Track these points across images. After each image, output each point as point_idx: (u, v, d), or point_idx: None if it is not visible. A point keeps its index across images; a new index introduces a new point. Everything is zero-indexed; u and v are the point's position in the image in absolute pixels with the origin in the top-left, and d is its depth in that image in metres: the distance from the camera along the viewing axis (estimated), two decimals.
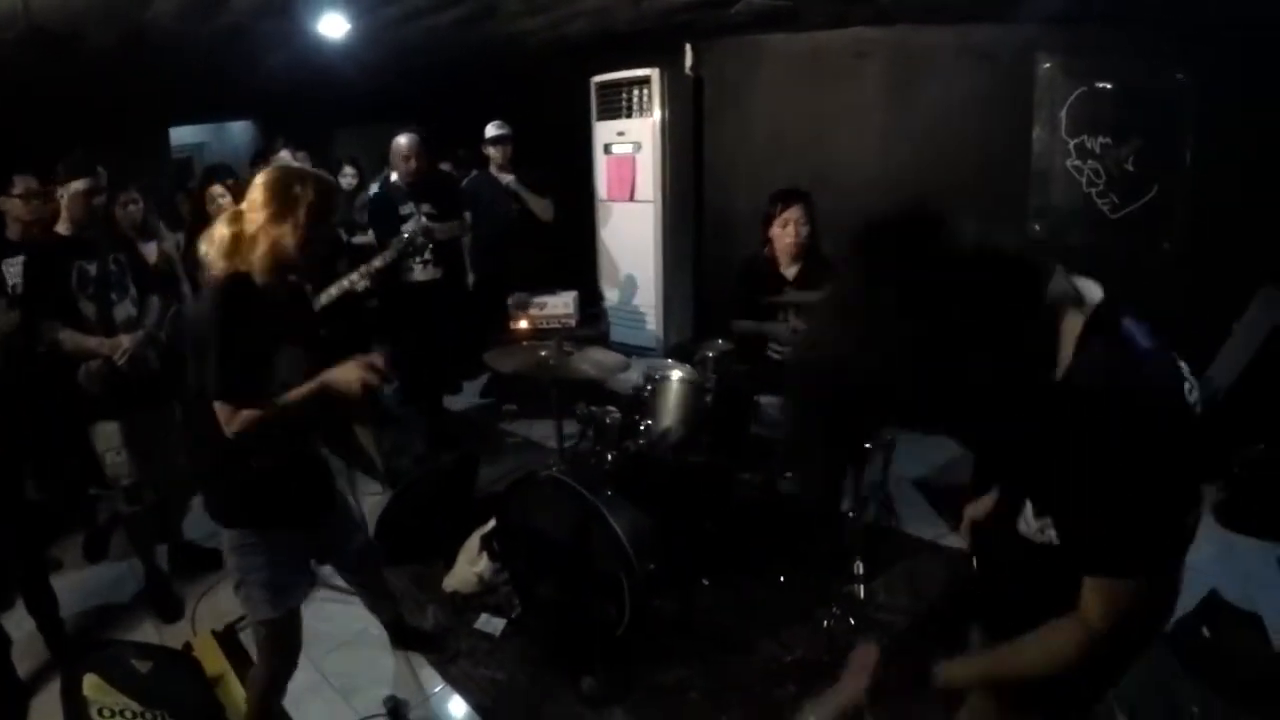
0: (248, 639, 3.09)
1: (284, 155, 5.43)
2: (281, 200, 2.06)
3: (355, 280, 4.01)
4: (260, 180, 2.11)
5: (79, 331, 3.16)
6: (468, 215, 5.35)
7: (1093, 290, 1.17)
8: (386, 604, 3.01)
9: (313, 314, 2.52)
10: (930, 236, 1.08)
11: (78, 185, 3.10)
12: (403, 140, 4.66)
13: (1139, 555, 1.10)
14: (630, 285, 6.54)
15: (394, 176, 4.85)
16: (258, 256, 2.05)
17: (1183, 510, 1.15)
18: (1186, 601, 2.76)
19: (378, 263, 3.88)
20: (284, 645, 2.37)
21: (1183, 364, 1.18)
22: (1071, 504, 1.14)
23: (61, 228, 3.19)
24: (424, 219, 4.54)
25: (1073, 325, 1.12)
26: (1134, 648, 1.33)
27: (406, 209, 4.64)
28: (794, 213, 3.46)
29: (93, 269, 3.20)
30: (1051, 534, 1.27)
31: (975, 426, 1.24)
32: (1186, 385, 1.15)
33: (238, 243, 2.07)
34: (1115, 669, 1.36)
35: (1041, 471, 1.21)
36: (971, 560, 1.63)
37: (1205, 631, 2.70)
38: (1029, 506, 1.31)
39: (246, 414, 1.98)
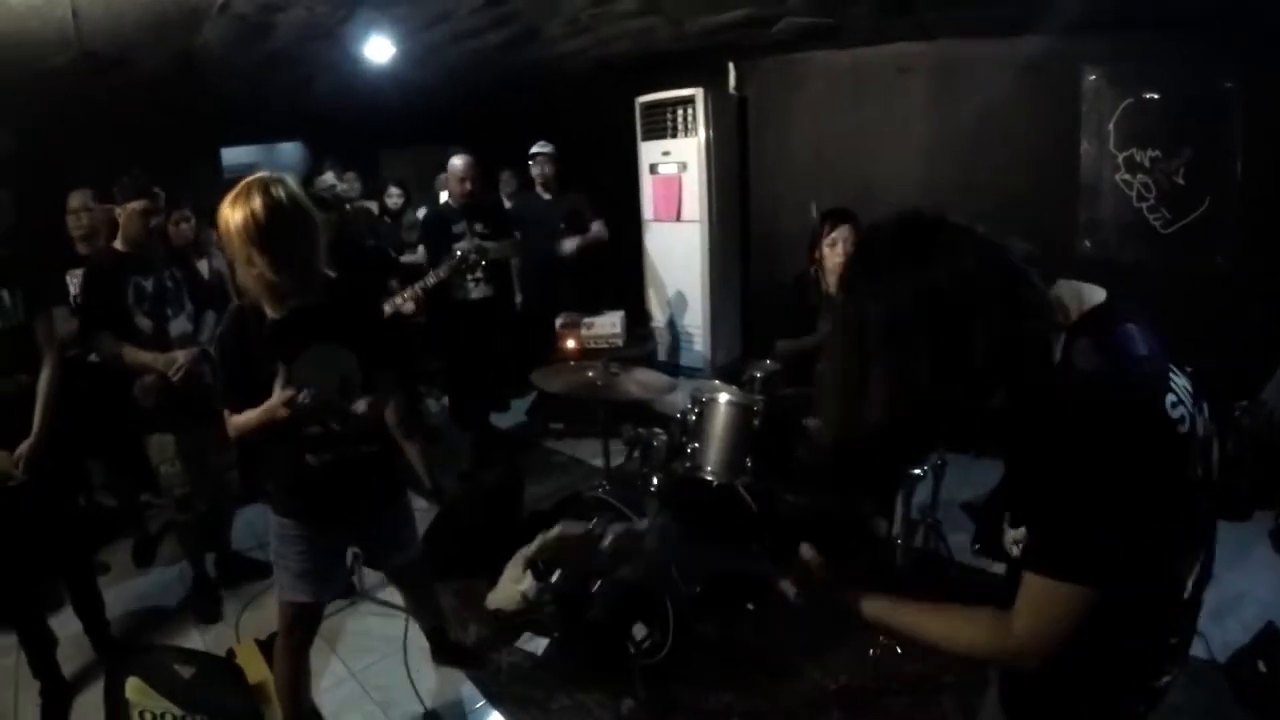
0: None
1: (328, 177, 5.52)
2: (228, 243, 2.10)
3: (403, 301, 4.05)
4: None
5: (135, 345, 3.24)
6: (518, 234, 5.42)
7: (1090, 295, 1.15)
8: (431, 612, 3.05)
9: (362, 315, 2.49)
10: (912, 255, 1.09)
11: (134, 206, 3.19)
12: (458, 162, 4.73)
13: (1083, 561, 1.06)
14: (678, 305, 6.51)
15: (444, 197, 4.91)
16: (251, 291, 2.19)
17: (1146, 529, 1.06)
18: (1241, 633, 2.68)
19: (431, 280, 3.92)
20: (300, 628, 2.49)
21: (1180, 378, 1.12)
22: (1030, 501, 1.12)
23: (119, 244, 3.28)
24: (477, 238, 4.60)
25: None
26: (1139, 686, 1.25)
27: (459, 228, 4.70)
28: (842, 233, 3.42)
29: (149, 285, 3.28)
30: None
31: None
32: (1170, 399, 1.08)
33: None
34: (1123, 707, 1.27)
35: (1017, 479, 1.20)
36: None
37: (1261, 666, 2.60)
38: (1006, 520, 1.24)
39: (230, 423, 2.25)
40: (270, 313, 2.18)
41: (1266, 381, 3.52)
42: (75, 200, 3.83)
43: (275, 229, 2.03)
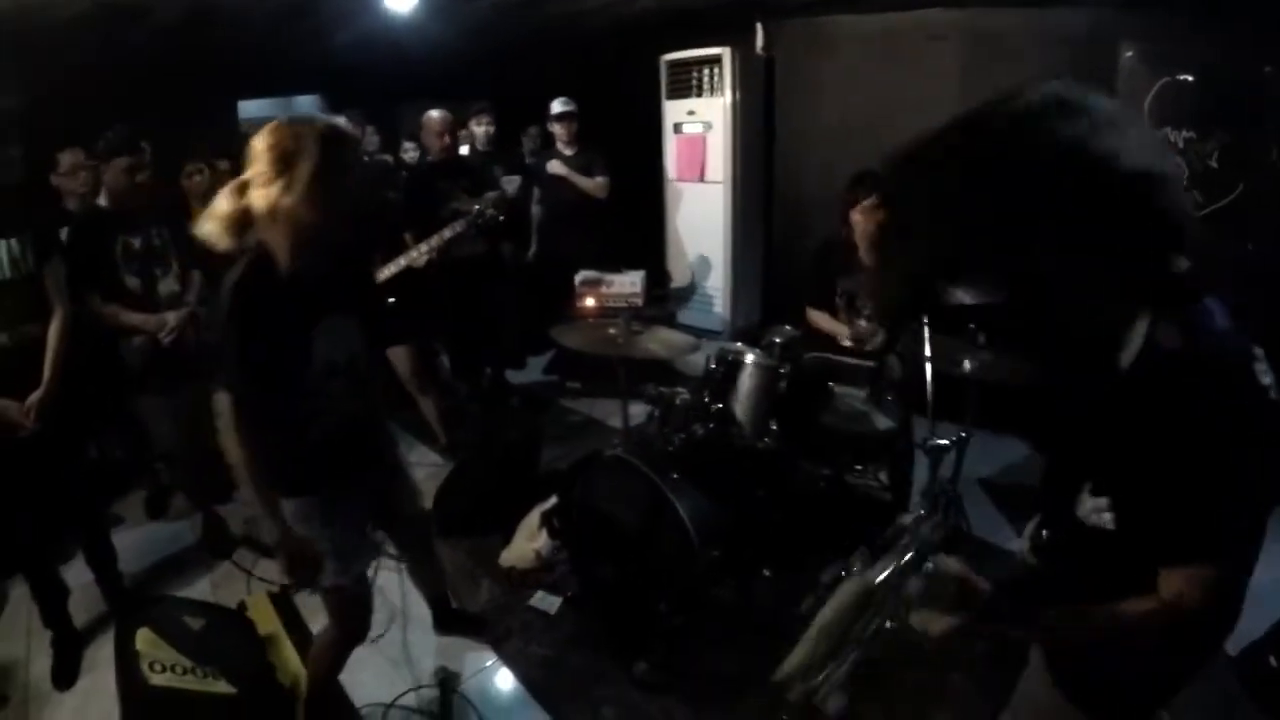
0: (301, 601, 3.13)
1: (342, 121, 5.40)
2: (283, 165, 1.85)
3: (418, 255, 3.99)
4: (259, 145, 1.89)
5: (123, 305, 3.19)
6: (507, 188, 5.31)
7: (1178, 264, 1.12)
8: (433, 580, 2.97)
9: (365, 282, 2.40)
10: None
11: (119, 162, 3.14)
12: (435, 115, 4.63)
13: (1221, 538, 1.07)
14: (698, 267, 6.45)
15: (407, 154, 4.77)
16: (277, 234, 1.91)
17: (1263, 495, 1.09)
18: (1254, 628, 2.63)
19: (448, 233, 3.83)
20: (354, 611, 2.36)
21: (1258, 349, 1.11)
22: (1146, 490, 1.09)
23: (103, 201, 3.24)
24: (463, 194, 4.50)
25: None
26: (1198, 654, 1.29)
27: (442, 185, 4.60)
28: (876, 200, 3.33)
29: (137, 243, 3.23)
30: (1106, 518, 1.18)
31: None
32: (1258, 367, 1.08)
33: (246, 219, 1.91)
34: (1177, 674, 1.30)
35: (1104, 449, 1.18)
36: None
37: (1273, 661, 2.57)
38: (1086, 489, 1.21)
39: (224, 420, 2.00)
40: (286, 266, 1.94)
41: None
42: (67, 158, 3.68)
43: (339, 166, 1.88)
